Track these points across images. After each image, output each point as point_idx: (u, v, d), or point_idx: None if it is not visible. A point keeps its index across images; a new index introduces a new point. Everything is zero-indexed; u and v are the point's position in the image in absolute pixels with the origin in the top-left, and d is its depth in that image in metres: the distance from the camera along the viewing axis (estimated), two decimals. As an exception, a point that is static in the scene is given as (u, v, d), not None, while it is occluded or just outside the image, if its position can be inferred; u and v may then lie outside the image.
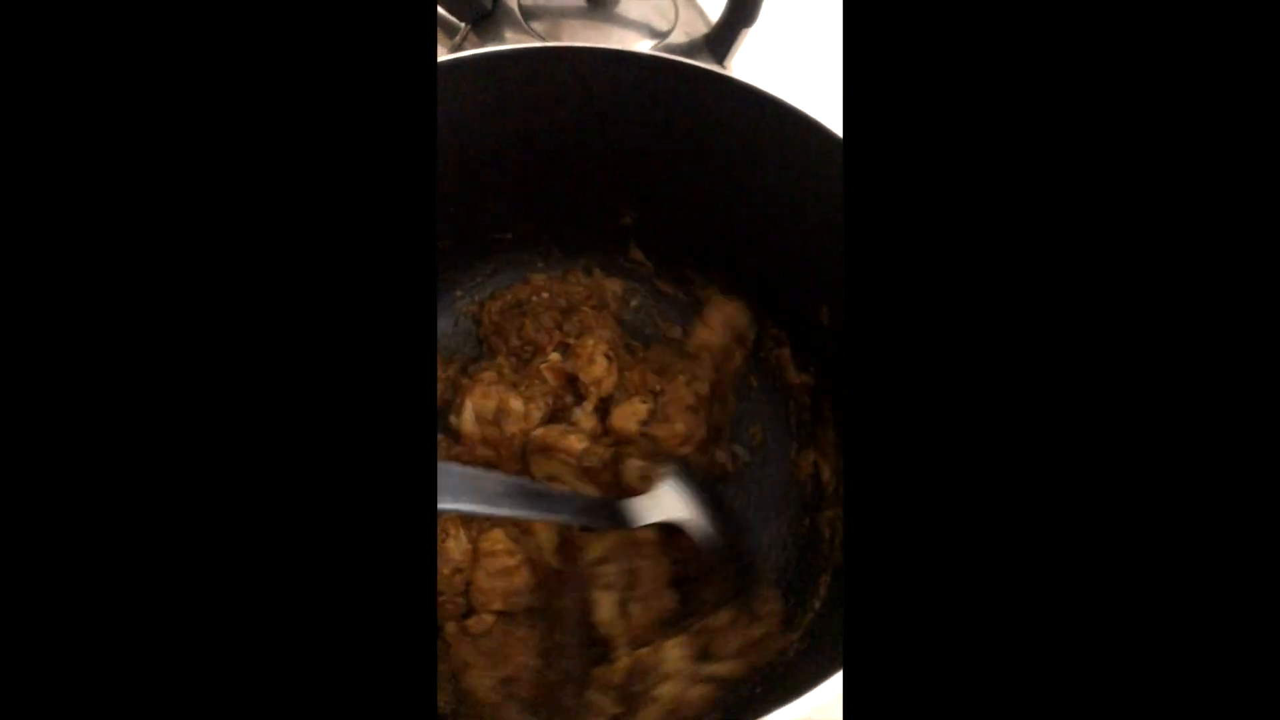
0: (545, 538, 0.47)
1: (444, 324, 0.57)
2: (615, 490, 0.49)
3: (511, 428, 0.50)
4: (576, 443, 0.48)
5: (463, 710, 0.42)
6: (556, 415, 0.52)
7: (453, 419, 0.50)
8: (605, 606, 0.42)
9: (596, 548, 0.44)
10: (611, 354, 0.53)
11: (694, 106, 0.49)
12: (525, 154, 0.51)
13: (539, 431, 0.50)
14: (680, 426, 0.49)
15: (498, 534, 0.46)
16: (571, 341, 0.53)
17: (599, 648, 0.42)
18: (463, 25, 0.58)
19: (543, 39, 0.57)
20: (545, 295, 0.57)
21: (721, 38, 0.58)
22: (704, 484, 0.47)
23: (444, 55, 0.44)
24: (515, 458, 0.50)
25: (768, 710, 0.31)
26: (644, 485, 0.48)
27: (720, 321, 0.51)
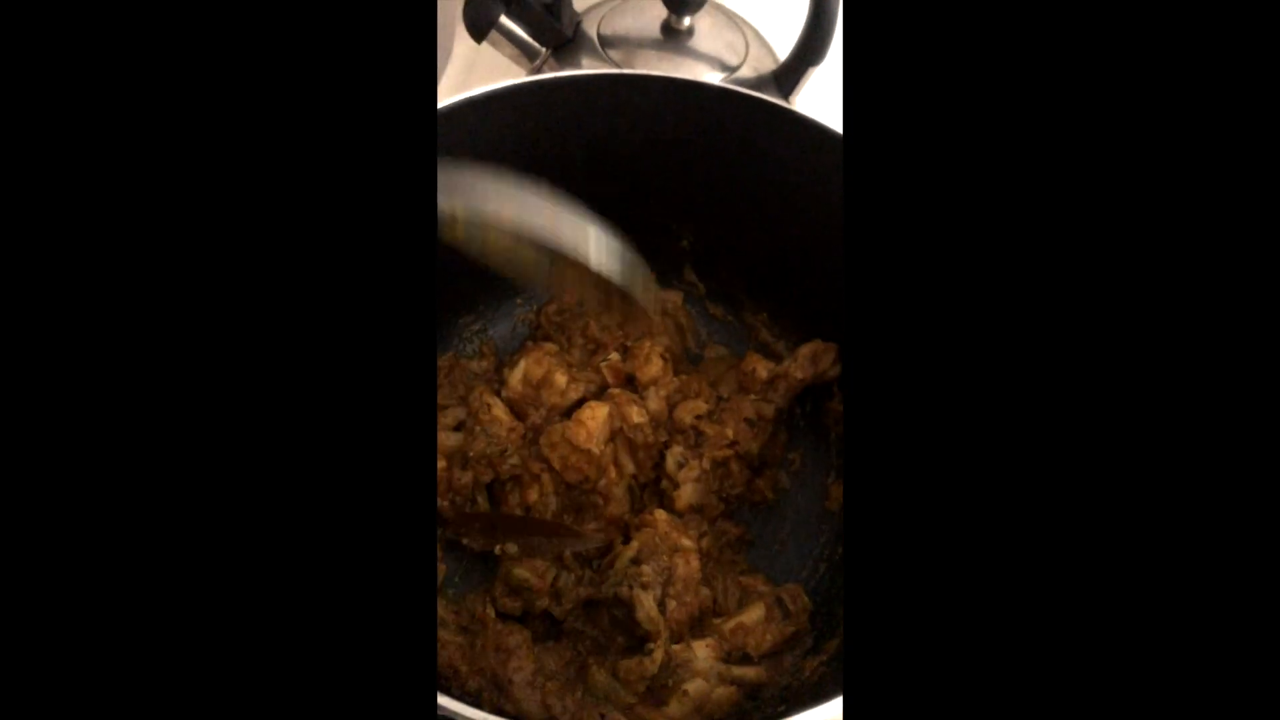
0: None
1: (503, 329, 0.60)
2: (649, 475, 0.51)
3: (548, 399, 0.52)
4: (636, 415, 0.50)
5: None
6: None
7: (505, 371, 0.53)
8: (646, 604, 0.43)
9: (630, 548, 0.46)
10: (667, 356, 0.55)
11: (758, 139, 0.51)
12: (592, 172, 0.54)
13: (614, 390, 0.52)
14: (730, 432, 0.50)
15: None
16: (630, 344, 0.56)
17: (637, 640, 0.44)
18: (544, 50, 0.61)
19: (618, 67, 0.60)
20: (603, 299, 0.60)
21: (788, 74, 0.61)
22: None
23: (511, 80, 0.47)
24: (532, 436, 0.51)
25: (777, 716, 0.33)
26: (679, 474, 0.50)
27: (807, 354, 0.53)
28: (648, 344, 0.56)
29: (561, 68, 0.63)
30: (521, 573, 0.46)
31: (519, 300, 0.61)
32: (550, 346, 0.55)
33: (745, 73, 0.61)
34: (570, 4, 0.62)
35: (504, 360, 0.58)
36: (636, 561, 0.45)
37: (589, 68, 0.62)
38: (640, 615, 0.43)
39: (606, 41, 0.62)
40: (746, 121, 0.51)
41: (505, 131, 0.49)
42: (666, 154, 0.53)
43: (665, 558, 0.45)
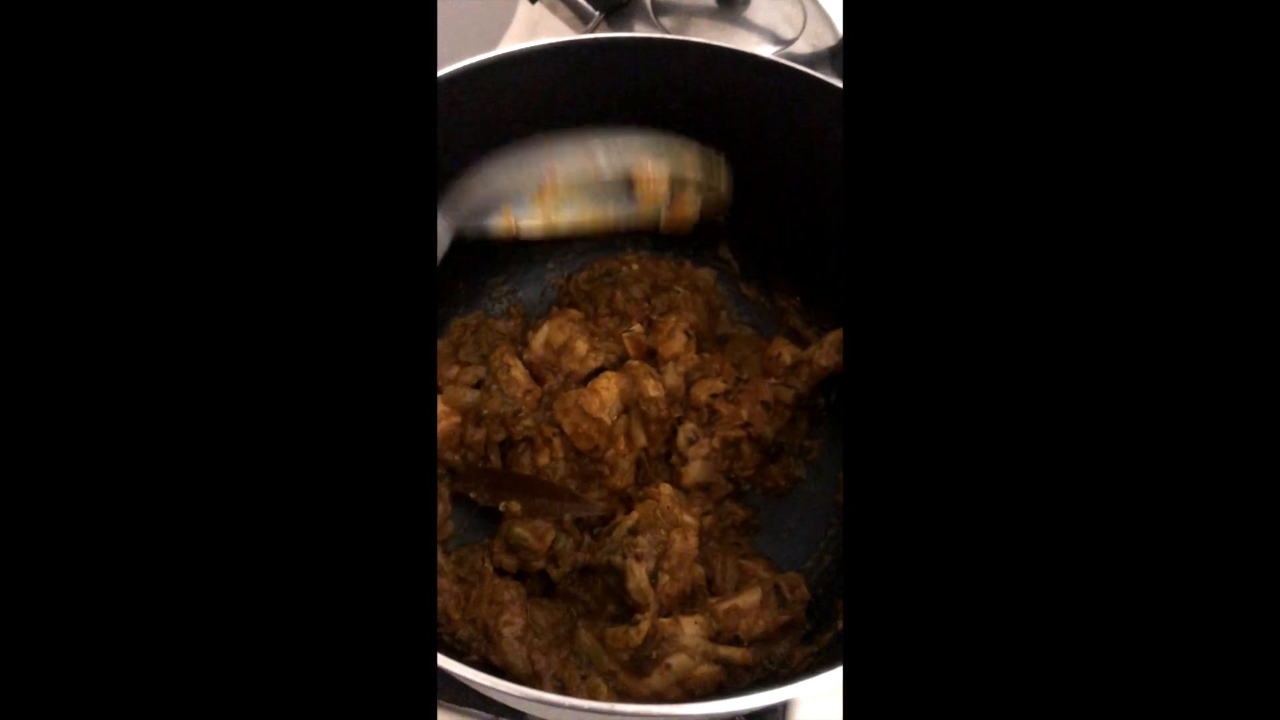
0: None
1: (532, 292, 0.60)
2: (660, 449, 0.51)
3: (567, 365, 0.52)
4: (652, 389, 0.50)
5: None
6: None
7: (529, 334, 0.54)
8: (638, 575, 0.43)
9: (630, 519, 0.46)
10: (691, 333, 0.54)
11: (801, 115, 0.50)
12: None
13: (633, 361, 0.52)
14: (745, 414, 0.50)
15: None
16: (655, 318, 0.55)
17: (626, 610, 0.44)
18: (596, 13, 0.61)
19: (668, 33, 0.59)
20: (635, 268, 0.59)
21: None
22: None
23: (561, 38, 0.47)
24: (547, 401, 0.52)
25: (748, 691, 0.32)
26: (688, 450, 0.50)
27: (832, 343, 0.52)
28: (672, 319, 0.55)
29: (614, 31, 0.62)
30: (521, 532, 0.46)
31: (550, 265, 0.61)
32: (575, 313, 0.55)
33: (801, 48, 0.59)
34: (627, -33, 0.61)
35: (530, 323, 0.59)
36: (634, 532, 0.45)
37: (640, 32, 0.61)
38: (631, 585, 0.43)
39: (660, 9, 0.61)
40: (789, 96, 0.49)
41: (545, 87, 0.49)
42: (706, 123, 0.52)
43: (663, 531, 0.45)
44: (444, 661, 0.33)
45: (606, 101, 0.51)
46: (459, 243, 0.50)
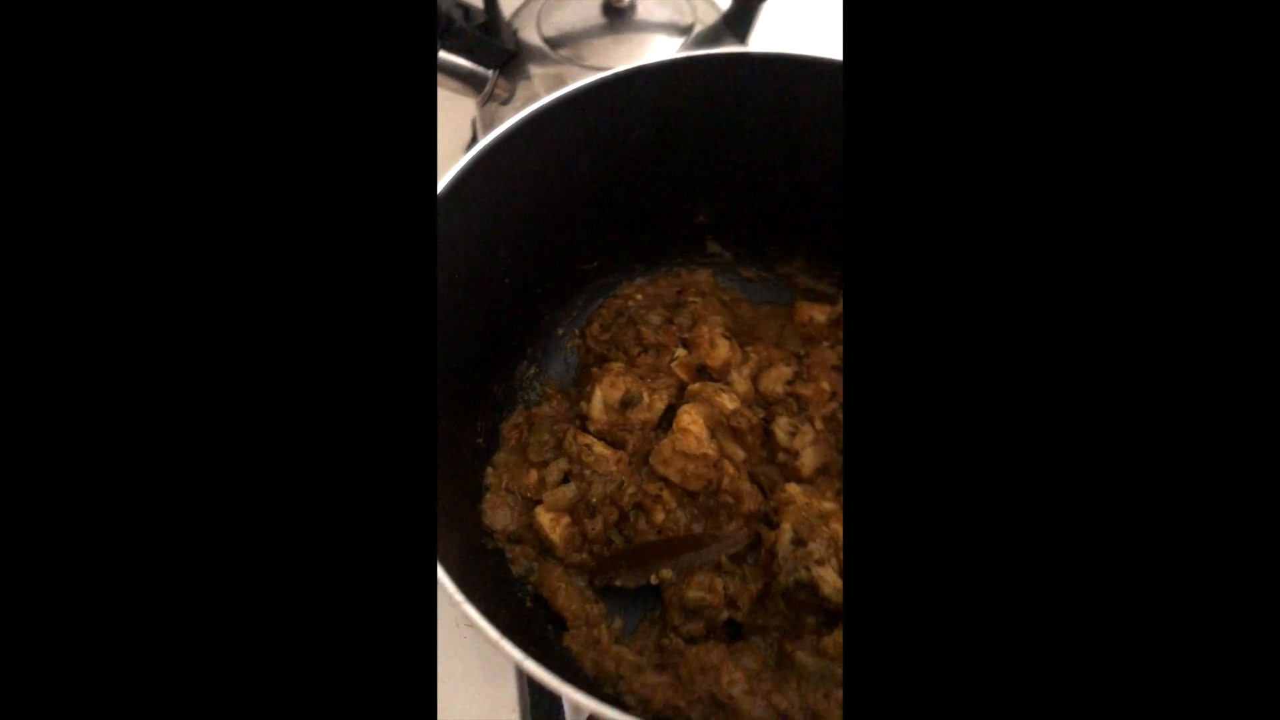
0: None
1: (557, 366, 0.58)
2: (760, 454, 0.51)
3: (637, 418, 0.51)
4: (729, 402, 0.50)
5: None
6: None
7: (583, 405, 0.52)
8: (830, 579, 0.44)
9: (785, 532, 0.46)
10: (728, 334, 0.54)
11: (751, 93, 0.50)
12: (601, 180, 0.52)
13: (695, 386, 0.51)
14: (826, 385, 0.51)
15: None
16: (687, 336, 0.55)
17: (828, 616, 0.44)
18: (490, 72, 0.58)
19: (572, 63, 0.58)
20: (640, 298, 0.59)
21: (740, 19, 0.59)
22: None
23: (506, 123, 0.45)
24: (638, 459, 0.51)
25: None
26: (794, 443, 0.50)
27: None
28: (704, 329, 0.55)
29: (511, 86, 0.60)
30: (696, 594, 0.46)
31: (559, 331, 0.59)
32: (617, 365, 0.54)
33: (700, 30, 0.59)
34: (501, 16, 0.58)
35: (568, 393, 0.57)
36: (799, 542, 0.45)
37: (538, 76, 0.59)
38: (826, 590, 0.44)
39: (552, 42, 0.59)
40: (733, 80, 0.49)
41: (511, 173, 0.47)
42: (666, 142, 0.51)
43: (821, 528, 0.46)
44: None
45: (568, 161, 0.49)
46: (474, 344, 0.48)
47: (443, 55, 0.56)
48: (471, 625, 0.34)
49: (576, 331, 0.59)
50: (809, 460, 0.50)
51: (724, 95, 0.49)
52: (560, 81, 0.55)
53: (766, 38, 0.62)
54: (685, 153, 0.52)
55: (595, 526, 0.49)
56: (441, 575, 0.34)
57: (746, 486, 0.49)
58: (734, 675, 0.44)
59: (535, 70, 0.59)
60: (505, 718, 0.51)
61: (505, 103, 0.59)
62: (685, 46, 0.59)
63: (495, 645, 0.34)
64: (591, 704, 0.33)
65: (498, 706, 0.51)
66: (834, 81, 0.48)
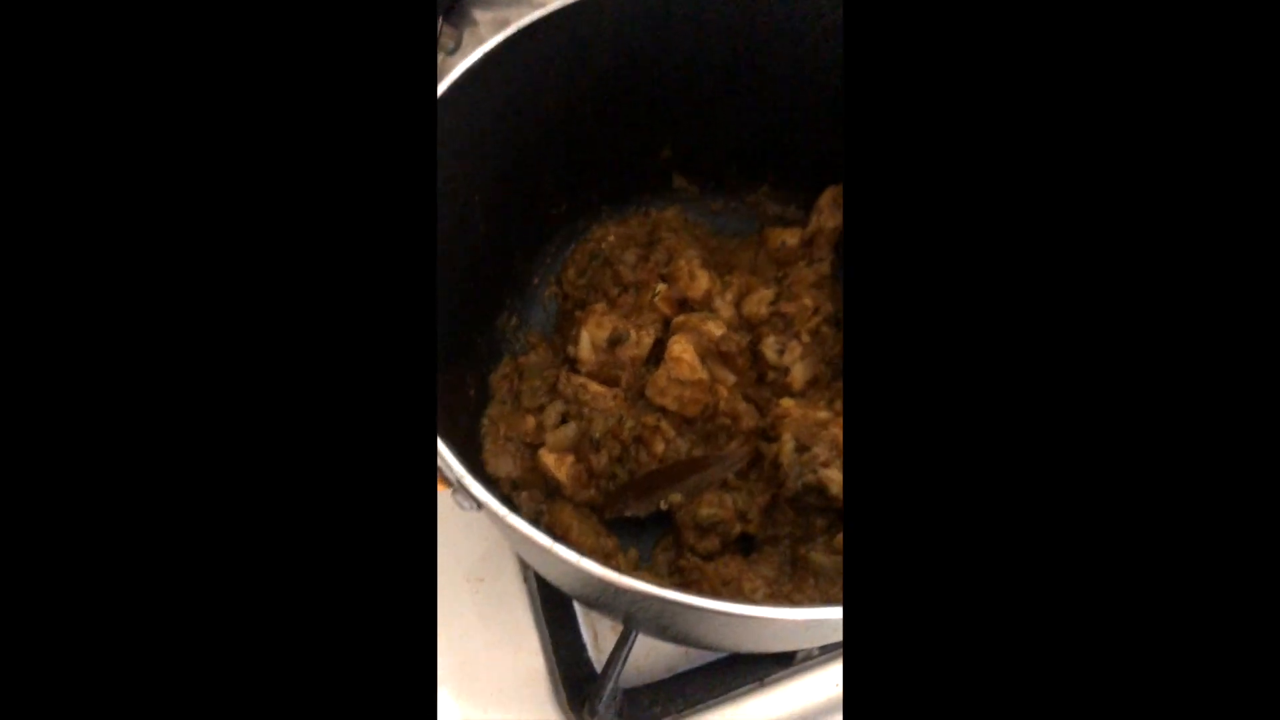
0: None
1: (537, 315, 0.58)
2: (750, 376, 0.52)
3: (626, 355, 0.51)
4: (715, 328, 0.50)
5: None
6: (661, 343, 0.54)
7: (570, 349, 0.52)
8: (837, 478, 0.45)
9: (786, 442, 0.47)
10: (707, 265, 0.54)
11: (709, 21, 0.50)
12: (564, 119, 0.51)
13: (680, 318, 0.52)
14: (808, 301, 0.52)
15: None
16: (665, 271, 0.55)
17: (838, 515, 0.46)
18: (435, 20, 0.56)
19: (519, 3, 0.57)
20: (612, 239, 0.58)
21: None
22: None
23: (473, 59, 0.44)
24: (633, 394, 0.52)
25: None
26: (783, 359, 0.51)
27: (829, 202, 0.53)
28: (682, 262, 0.55)
29: (457, 32, 0.58)
30: (708, 510, 0.47)
31: (535, 280, 0.59)
32: (599, 306, 0.54)
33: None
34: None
35: (552, 340, 0.57)
36: (802, 449, 0.46)
37: (482, 20, 0.58)
38: (835, 490, 0.45)
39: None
40: (691, 4, 0.49)
41: (471, 118, 0.46)
42: (627, 74, 0.51)
43: (821, 433, 0.47)
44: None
45: (534, 98, 0.48)
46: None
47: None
48: (480, 506, 0.33)
49: (552, 279, 0.59)
50: (799, 374, 0.52)
51: (683, 21, 0.49)
52: (507, 25, 0.53)
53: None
54: (647, 84, 0.52)
55: (601, 461, 0.49)
56: (441, 447, 0.33)
57: (743, 405, 0.50)
58: (754, 583, 0.45)
59: (478, 14, 0.58)
60: (528, 661, 0.51)
61: (452, 52, 0.57)
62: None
63: (501, 521, 0.33)
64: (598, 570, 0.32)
65: (520, 653, 0.51)
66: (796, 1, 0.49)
